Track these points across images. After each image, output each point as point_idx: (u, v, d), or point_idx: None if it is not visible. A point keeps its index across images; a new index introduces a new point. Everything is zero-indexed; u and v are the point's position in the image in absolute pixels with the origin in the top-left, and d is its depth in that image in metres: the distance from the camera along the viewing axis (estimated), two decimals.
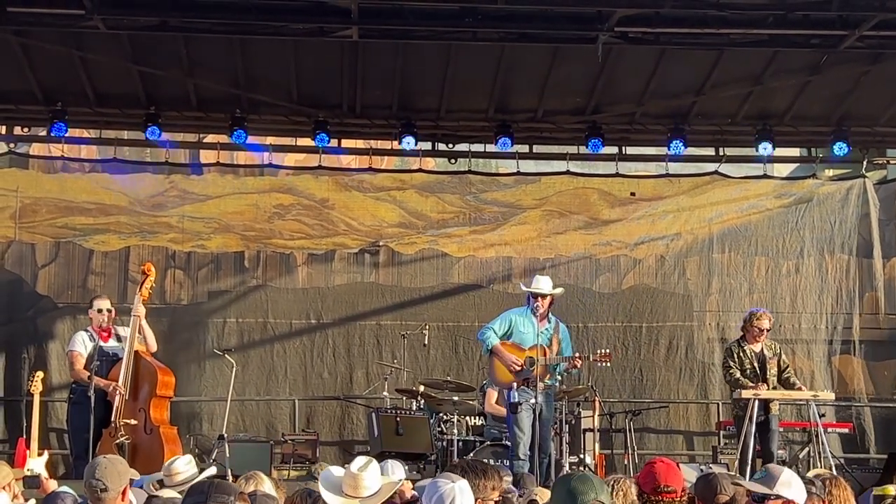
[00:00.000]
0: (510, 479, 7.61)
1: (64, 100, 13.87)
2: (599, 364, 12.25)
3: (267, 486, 6.33)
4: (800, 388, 12.53)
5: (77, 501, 6.31)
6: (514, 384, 11.56)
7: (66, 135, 14.18)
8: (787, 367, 12.59)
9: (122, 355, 11.45)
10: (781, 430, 13.47)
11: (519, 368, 11.53)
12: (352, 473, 6.20)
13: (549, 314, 11.85)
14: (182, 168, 15.95)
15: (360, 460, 6.31)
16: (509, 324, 11.77)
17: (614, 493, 6.58)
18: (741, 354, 12.47)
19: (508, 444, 11.98)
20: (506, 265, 16.25)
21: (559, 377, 12.15)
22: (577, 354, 11.91)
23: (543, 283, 11.74)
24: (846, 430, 14.74)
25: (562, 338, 11.84)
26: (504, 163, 16.11)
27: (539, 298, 11.62)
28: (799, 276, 16.02)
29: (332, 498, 6.15)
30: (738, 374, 12.37)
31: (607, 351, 12.15)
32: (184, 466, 6.92)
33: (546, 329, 11.66)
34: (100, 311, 11.72)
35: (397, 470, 7.96)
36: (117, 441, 10.89)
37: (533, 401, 11.39)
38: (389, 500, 6.31)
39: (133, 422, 11.10)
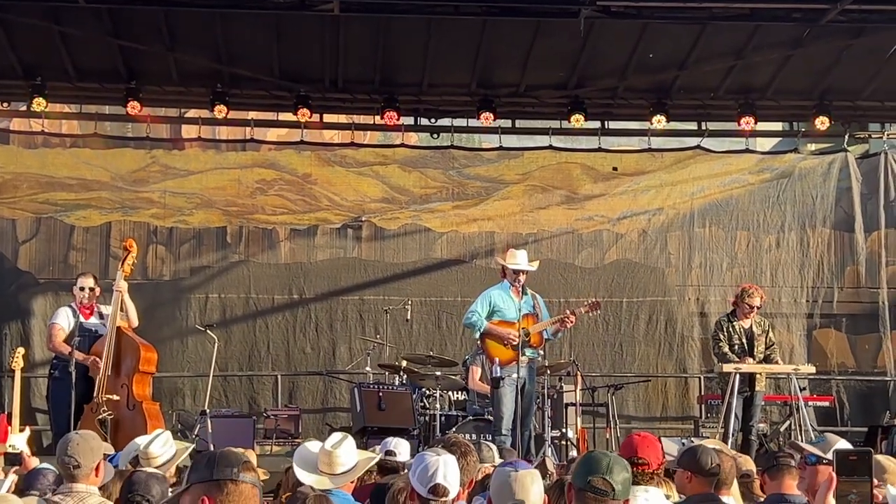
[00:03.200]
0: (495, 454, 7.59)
1: (44, 74, 13.78)
2: (591, 314, 12.24)
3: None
4: (776, 363, 12.61)
5: (57, 477, 6.30)
6: (498, 360, 11.56)
7: (47, 110, 14.11)
8: (773, 344, 12.62)
9: (103, 332, 11.41)
10: (763, 403, 13.54)
11: (516, 342, 11.50)
12: (326, 450, 6.16)
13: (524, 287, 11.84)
14: (163, 143, 15.89)
15: (335, 437, 6.26)
16: (489, 303, 11.74)
17: None
18: (730, 329, 12.49)
19: (491, 419, 12.00)
20: (488, 240, 16.25)
21: (552, 338, 12.16)
22: (567, 311, 11.93)
23: (521, 258, 11.73)
24: (826, 404, 14.81)
25: (541, 306, 11.88)
26: (487, 137, 16.10)
27: (519, 273, 11.61)
28: (780, 250, 16.06)
29: (305, 476, 6.11)
30: (726, 349, 12.39)
31: (594, 300, 12.14)
32: (160, 449, 6.80)
33: (526, 301, 11.65)
34: (81, 288, 11.66)
35: (402, 448, 7.94)
36: (99, 417, 10.86)
37: (515, 375, 11.41)
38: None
39: (115, 397, 11.06)
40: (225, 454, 3.95)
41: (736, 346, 12.43)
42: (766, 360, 12.49)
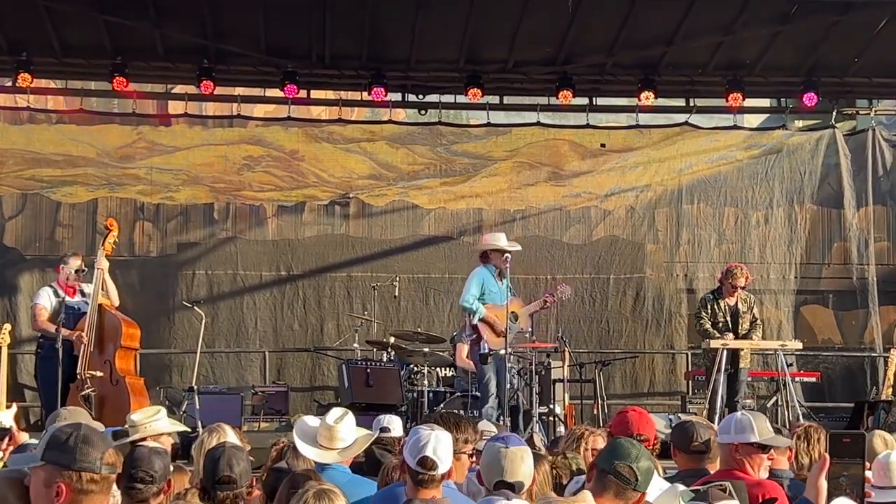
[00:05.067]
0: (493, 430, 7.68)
1: (29, 50, 13.70)
2: (565, 297, 12.36)
3: (231, 437, 6.29)
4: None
5: None
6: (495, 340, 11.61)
7: (33, 85, 14.03)
8: (756, 320, 12.66)
9: (86, 309, 11.40)
10: (749, 379, 13.58)
11: (503, 332, 11.60)
12: (327, 425, 6.20)
13: None
14: (150, 119, 15.81)
15: (336, 412, 6.30)
16: (482, 285, 11.80)
17: (582, 446, 6.63)
18: (715, 307, 12.53)
19: (478, 394, 12.03)
20: (476, 217, 16.23)
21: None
22: (546, 295, 12.01)
23: (505, 240, 11.81)
24: (814, 379, 14.85)
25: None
26: (474, 114, 16.07)
27: (507, 254, 11.65)
28: (768, 226, 16.07)
29: (306, 448, 6.16)
30: (707, 325, 12.45)
31: (562, 284, 12.24)
32: (146, 420, 6.77)
33: (505, 284, 11.67)
34: (76, 270, 11.60)
35: (395, 425, 7.97)
36: (83, 393, 10.86)
37: (503, 352, 11.43)
38: None
39: (98, 374, 11.08)
40: (89, 437, 3.64)
41: (720, 324, 12.49)
42: (745, 337, 12.54)
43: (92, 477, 3.61)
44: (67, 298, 11.49)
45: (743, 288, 12.56)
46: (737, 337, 12.45)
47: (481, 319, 11.71)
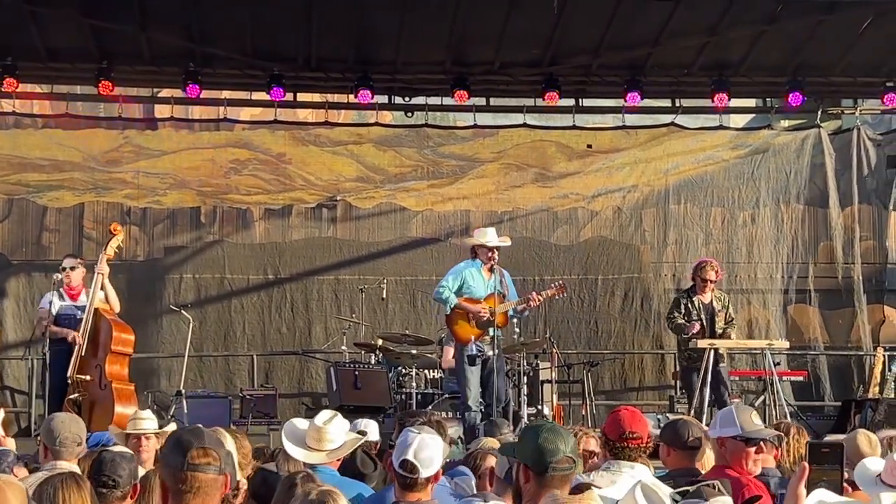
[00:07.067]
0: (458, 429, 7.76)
1: (14, 54, 13.66)
2: (557, 297, 12.19)
3: (229, 443, 6.28)
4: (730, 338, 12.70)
5: (18, 458, 6.33)
6: (473, 337, 11.52)
7: (18, 90, 14.00)
8: (732, 320, 12.69)
9: (81, 315, 11.36)
10: (736, 378, 13.58)
11: (486, 316, 11.39)
12: (316, 426, 6.23)
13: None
14: (136, 123, 15.79)
15: (325, 414, 6.34)
16: (461, 278, 11.60)
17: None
18: (689, 305, 12.55)
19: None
20: (464, 219, 16.24)
21: (515, 321, 12.08)
22: (533, 293, 11.78)
23: (492, 235, 11.66)
24: (801, 378, 14.89)
25: (508, 284, 11.76)
26: (461, 116, 16.07)
27: (493, 250, 11.52)
28: (755, 226, 16.12)
29: (294, 450, 6.19)
30: (679, 320, 12.48)
31: (560, 283, 12.08)
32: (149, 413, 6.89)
33: (493, 280, 11.52)
34: (71, 268, 11.57)
35: (371, 429, 7.99)
36: (71, 397, 10.83)
37: (491, 353, 11.36)
38: None
39: (86, 377, 11.04)
40: (180, 439, 3.75)
41: (695, 323, 12.55)
42: (722, 335, 12.57)
43: (174, 474, 3.70)
44: (65, 303, 11.45)
45: (714, 282, 12.58)
46: (713, 336, 12.47)
47: (457, 308, 11.53)
